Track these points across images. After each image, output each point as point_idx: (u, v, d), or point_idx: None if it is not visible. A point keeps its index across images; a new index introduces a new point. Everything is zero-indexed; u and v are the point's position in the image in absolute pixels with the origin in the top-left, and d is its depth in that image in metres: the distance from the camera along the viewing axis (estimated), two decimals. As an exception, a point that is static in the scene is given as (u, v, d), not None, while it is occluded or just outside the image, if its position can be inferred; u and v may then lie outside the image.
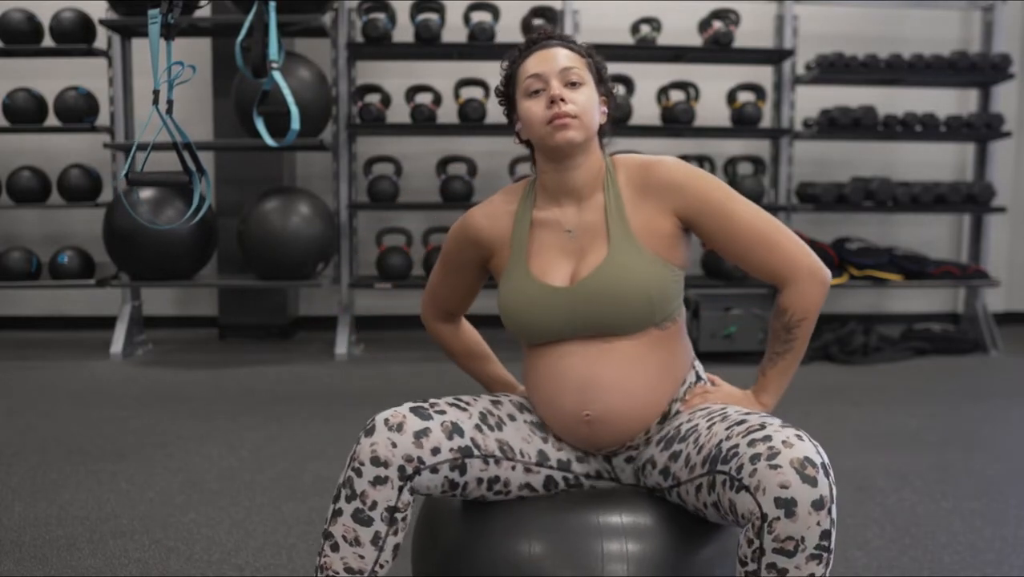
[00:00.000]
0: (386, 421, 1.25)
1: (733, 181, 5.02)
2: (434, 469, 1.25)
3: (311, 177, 5.39)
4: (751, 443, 1.14)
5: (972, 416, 3.46)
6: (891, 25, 5.64)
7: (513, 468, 1.32)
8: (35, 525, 2.20)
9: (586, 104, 1.36)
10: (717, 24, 4.91)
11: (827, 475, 1.10)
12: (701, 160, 5.18)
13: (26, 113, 4.78)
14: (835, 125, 4.95)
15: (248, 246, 4.50)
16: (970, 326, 5.15)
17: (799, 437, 1.13)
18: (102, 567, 1.97)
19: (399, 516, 1.25)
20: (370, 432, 1.25)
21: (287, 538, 2.13)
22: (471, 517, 1.35)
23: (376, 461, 1.23)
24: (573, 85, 1.36)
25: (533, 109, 1.35)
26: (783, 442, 1.12)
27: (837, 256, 4.99)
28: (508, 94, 1.43)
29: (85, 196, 4.81)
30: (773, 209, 5.10)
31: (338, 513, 1.25)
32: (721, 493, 1.16)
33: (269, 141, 2.18)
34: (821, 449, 1.13)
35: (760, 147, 5.42)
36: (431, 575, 1.39)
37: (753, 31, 5.21)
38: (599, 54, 1.45)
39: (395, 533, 1.25)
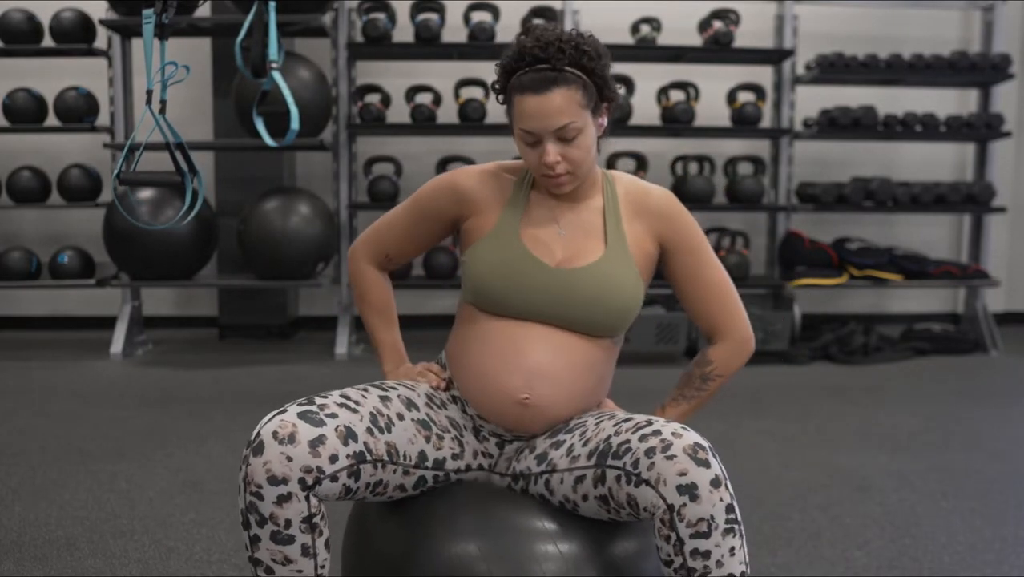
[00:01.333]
0: (275, 434, 1.16)
1: (733, 181, 5.02)
2: (333, 478, 1.19)
3: (311, 177, 5.39)
4: (642, 438, 1.19)
5: (972, 416, 3.46)
6: (891, 25, 5.64)
7: (395, 471, 1.28)
8: (35, 525, 2.21)
9: (580, 156, 1.34)
10: (717, 24, 4.91)
11: (715, 456, 1.17)
12: (701, 160, 5.18)
13: (26, 113, 4.77)
14: (835, 125, 4.95)
15: (248, 246, 4.50)
16: (970, 326, 5.15)
17: (685, 429, 1.19)
18: (102, 567, 1.97)
19: (317, 519, 1.20)
20: (259, 450, 1.16)
21: (287, 538, 2.13)
22: (401, 519, 1.34)
23: (274, 480, 1.15)
24: (568, 141, 1.33)
25: (529, 156, 1.36)
26: (673, 433, 1.18)
27: (837, 256, 4.99)
28: (503, 97, 1.39)
29: (85, 196, 4.81)
30: (773, 209, 5.10)
31: (256, 540, 1.19)
32: (615, 488, 1.20)
33: (269, 141, 2.18)
34: (703, 438, 1.20)
35: (760, 147, 5.42)
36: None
37: (753, 31, 5.21)
38: (602, 64, 1.34)
39: (320, 534, 1.21)
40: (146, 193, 4.39)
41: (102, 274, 4.82)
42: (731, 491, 1.17)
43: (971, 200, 5.04)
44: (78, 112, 4.75)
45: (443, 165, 5.01)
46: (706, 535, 1.14)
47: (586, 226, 1.41)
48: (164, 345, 4.95)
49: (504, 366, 1.36)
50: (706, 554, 1.15)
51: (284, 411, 1.21)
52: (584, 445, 1.27)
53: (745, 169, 5.29)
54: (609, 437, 1.24)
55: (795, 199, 5.21)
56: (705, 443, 1.18)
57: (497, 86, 1.38)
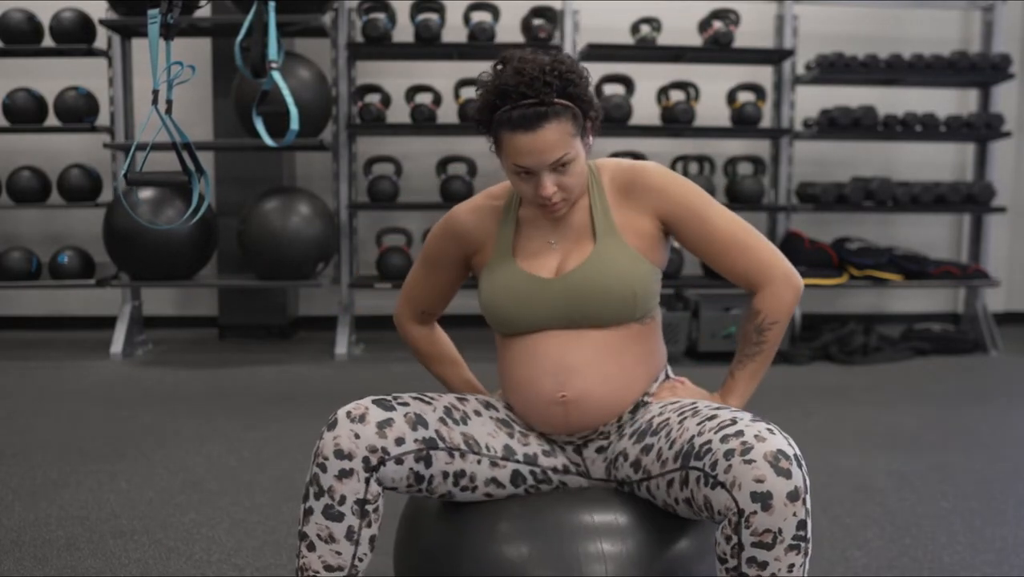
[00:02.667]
0: (348, 413, 1.24)
1: (733, 181, 5.02)
2: (399, 460, 1.24)
3: (311, 177, 5.39)
4: (724, 439, 1.16)
5: (972, 416, 3.46)
6: (891, 25, 5.64)
7: (479, 462, 1.31)
8: (35, 525, 2.21)
9: (574, 182, 1.35)
10: (717, 24, 4.91)
11: (800, 466, 1.13)
12: (701, 160, 5.18)
13: (26, 113, 4.77)
14: (835, 125, 4.95)
15: (248, 246, 4.50)
16: (970, 326, 5.15)
17: (771, 431, 1.15)
18: (102, 567, 1.97)
19: (370, 508, 1.24)
20: (332, 425, 1.24)
21: (287, 538, 2.13)
22: (451, 518, 1.36)
23: (340, 454, 1.22)
24: (563, 168, 1.32)
25: (523, 189, 1.36)
26: (755, 436, 1.14)
27: (837, 256, 4.99)
28: (487, 125, 1.33)
29: (85, 196, 4.81)
30: (773, 209, 5.10)
31: (309, 512, 1.24)
32: (695, 490, 1.18)
33: (269, 141, 2.18)
34: (792, 441, 1.16)
35: (760, 147, 5.42)
36: (412, 576, 1.39)
37: (753, 31, 5.21)
38: (584, 88, 1.32)
39: (368, 525, 1.25)
40: (147, 193, 4.39)
41: (102, 274, 4.82)
42: (808, 506, 1.12)
43: (971, 200, 5.04)
44: (78, 112, 4.75)
45: (443, 165, 5.01)
46: (769, 547, 1.11)
47: (576, 229, 1.41)
48: (164, 345, 4.95)
49: (534, 371, 1.37)
50: (763, 565, 1.12)
51: (362, 399, 1.28)
52: (671, 448, 1.25)
53: (745, 169, 5.29)
54: (692, 437, 1.21)
55: (795, 199, 5.21)
56: (791, 450, 1.14)
57: (479, 118, 1.34)
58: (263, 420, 3.28)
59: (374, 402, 1.27)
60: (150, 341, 4.90)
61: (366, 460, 1.22)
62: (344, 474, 1.22)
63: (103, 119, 4.88)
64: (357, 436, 1.22)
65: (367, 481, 1.22)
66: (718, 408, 1.26)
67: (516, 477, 1.35)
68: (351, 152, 4.93)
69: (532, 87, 1.26)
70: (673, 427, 1.27)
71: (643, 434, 1.33)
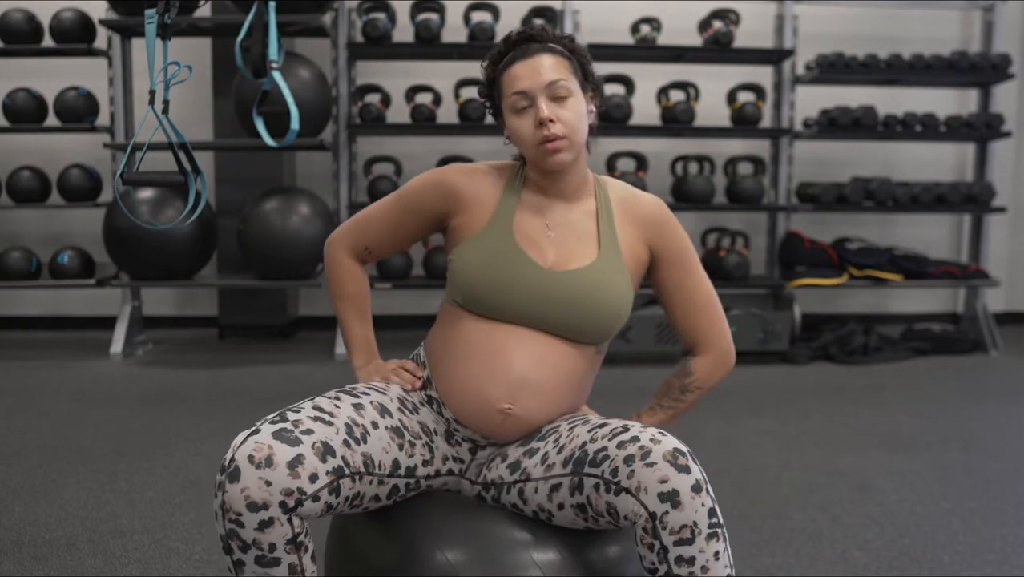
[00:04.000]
0: (250, 458, 1.11)
1: (733, 181, 5.02)
2: (315, 497, 1.14)
3: (311, 177, 5.39)
4: (620, 445, 1.17)
5: (972, 416, 3.46)
6: (891, 25, 5.64)
7: (371, 482, 1.24)
8: (35, 525, 2.21)
9: (574, 120, 1.33)
10: (717, 24, 4.91)
11: (695, 461, 1.16)
12: (701, 160, 5.18)
13: (26, 113, 4.77)
14: (835, 125, 4.95)
15: (248, 246, 4.50)
16: (970, 326, 5.15)
17: (663, 434, 1.18)
18: (102, 567, 1.97)
19: (301, 537, 1.15)
20: (234, 476, 1.10)
21: (287, 538, 2.13)
22: (386, 530, 1.32)
23: (253, 506, 1.10)
24: (560, 100, 1.33)
25: (523, 129, 1.34)
26: (651, 440, 1.16)
27: (837, 256, 4.99)
28: (492, 96, 1.41)
29: (85, 196, 4.81)
30: (773, 209, 5.10)
31: (240, 565, 1.14)
32: (594, 496, 1.18)
33: (269, 141, 2.18)
34: (682, 441, 1.19)
35: (760, 147, 5.42)
36: None
37: (753, 31, 5.21)
38: (584, 50, 1.41)
39: (305, 550, 1.17)
40: (146, 193, 4.39)
41: (102, 274, 4.82)
42: (712, 495, 1.16)
43: (971, 200, 5.04)
44: (78, 112, 4.75)
45: (443, 165, 5.00)
46: (690, 541, 1.13)
47: (578, 229, 1.39)
48: (164, 345, 4.95)
49: (487, 374, 1.33)
50: (691, 560, 1.14)
51: (257, 431, 1.15)
52: (559, 453, 1.26)
53: (745, 169, 5.29)
54: (585, 444, 1.22)
55: (795, 199, 5.21)
56: (684, 448, 1.16)
57: (486, 78, 1.40)
58: (263, 420, 3.27)
59: (275, 436, 1.14)
60: (150, 341, 4.90)
61: (283, 504, 1.11)
62: (264, 524, 1.11)
63: (103, 119, 4.88)
64: (268, 483, 1.10)
65: (290, 520, 1.13)
66: (607, 419, 1.28)
67: (393, 491, 1.29)
68: (351, 152, 4.93)
69: (532, 34, 1.36)
70: (563, 433, 1.29)
71: (529, 439, 1.35)
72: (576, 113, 1.33)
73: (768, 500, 2.44)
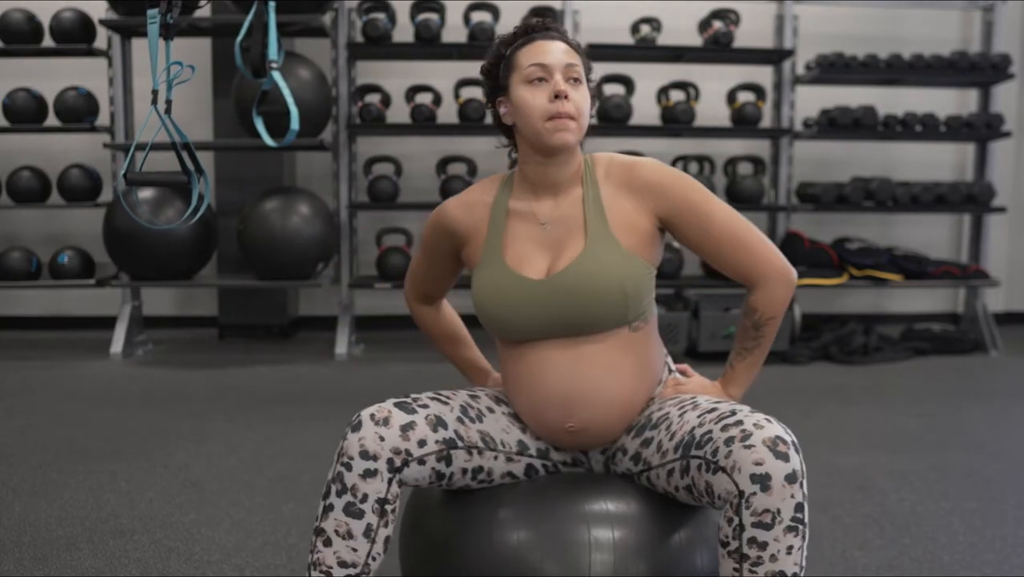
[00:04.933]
0: (372, 416, 1.27)
1: (733, 181, 5.02)
2: (421, 461, 1.28)
3: (311, 177, 5.39)
4: (724, 428, 1.20)
5: (972, 416, 3.46)
6: (891, 25, 5.64)
7: (495, 457, 1.36)
8: (35, 525, 2.20)
9: (583, 105, 1.37)
10: (717, 24, 4.91)
11: (797, 452, 1.17)
12: (701, 160, 5.18)
13: (26, 113, 4.77)
14: (835, 125, 4.95)
15: (248, 246, 4.50)
16: (970, 326, 5.15)
17: (768, 420, 1.20)
18: (102, 567, 1.97)
19: (389, 508, 1.27)
20: (357, 427, 1.27)
21: (287, 538, 2.13)
22: (455, 507, 1.38)
23: (365, 455, 1.25)
24: (574, 82, 1.36)
25: (535, 99, 1.35)
26: (755, 425, 1.18)
27: (837, 256, 4.99)
28: (495, 75, 1.42)
29: (85, 196, 4.81)
30: (773, 209, 5.10)
31: (329, 509, 1.27)
32: (696, 476, 1.22)
33: (269, 141, 2.18)
34: (789, 431, 1.21)
35: (760, 147, 5.42)
36: (418, 567, 1.41)
37: (753, 31, 5.21)
38: (593, 54, 1.47)
39: (386, 525, 1.28)
40: (147, 193, 4.39)
41: (102, 274, 4.82)
42: (805, 491, 1.17)
43: (971, 200, 5.04)
44: (78, 112, 4.75)
45: (443, 165, 5.01)
46: (768, 527, 1.15)
47: (568, 222, 1.39)
48: (164, 345, 4.95)
49: (539, 402, 1.39)
50: (763, 545, 1.15)
51: (383, 401, 1.31)
52: (671, 439, 1.29)
53: (745, 169, 5.29)
54: (693, 429, 1.26)
55: (795, 199, 5.21)
56: (788, 436, 1.18)
57: (494, 58, 1.43)
58: (263, 420, 3.28)
59: (396, 405, 1.30)
60: (150, 341, 4.90)
61: (390, 461, 1.25)
62: (368, 474, 1.25)
63: (103, 119, 4.88)
64: (382, 438, 1.26)
65: (390, 481, 1.26)
66: (717, 402, 1.30)
67: (529, 470, 1.40)
68: (351, 152, 4.93)
69: (550, 25, 1.42)
70: (673, 420, 1.32)
71: (642, 429, 1.37)
72: (586, 100, 1.38)
73: (768, 500, 2.44)
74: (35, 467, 2.68)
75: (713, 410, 1.27)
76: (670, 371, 1.51)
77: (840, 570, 1.99)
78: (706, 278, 5.10)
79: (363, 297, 5.28)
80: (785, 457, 1.15)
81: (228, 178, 5.14)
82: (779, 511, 1.14)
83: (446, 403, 1.35)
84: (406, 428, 1.27)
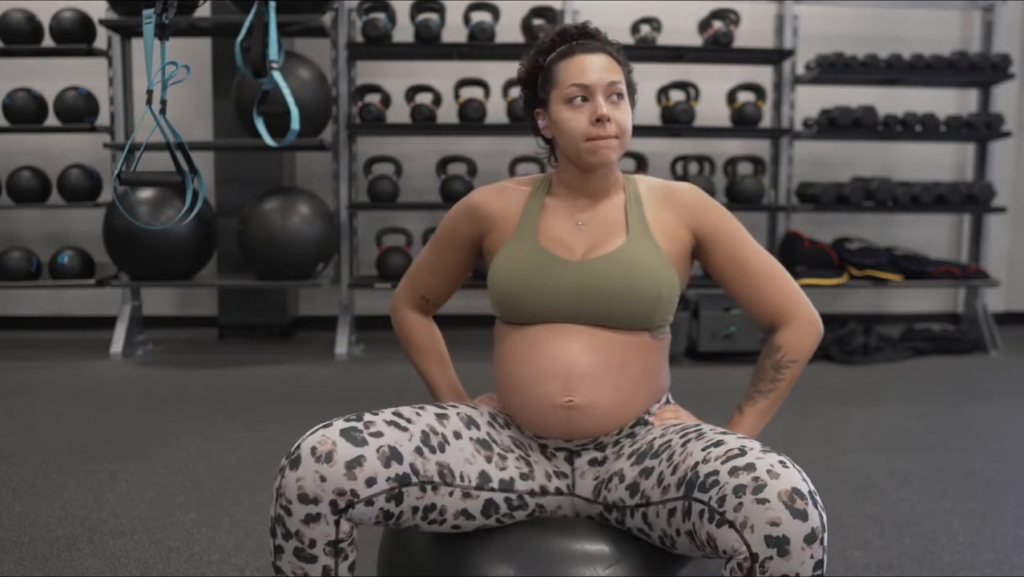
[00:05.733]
0: (313, 450, 1.12)
1: (733, 181, 5.02)
2: (369, 502, 1.13)
3: (311, 177, 5.39)
4: (733, 471, 1.07)
5: (972, 416, 3.46)
6: (891, 25, 5.64)
7: (451, 494, 1.20)
8: (35, 525, 2.20)
9: (625, 122, 1.33)
10: (717, 24, 4.91)
11: (815, 504, 1.04)
12: (701, 160, 5.18)
13: (26, 113, 4.77)
14: (835, 125, 4.95)
15: (248, 246, 4.50)
16: (970, 326, 5.15)
17: (784, 464, 1.07)
18: (102, 567, 1.97)
19: (344, 545, 1.15)
20: (295, 464, 1.12)
21: (287, 538, 2.13)
22: (441, 544, 1.28)
23: (304, 498, 1.11)
24: (616, 98, 1.33)
25: (575, 121, 1.32)
26: (768, 472, 1.05)
27: (837, 256, 4.98)
28: (533, 84, 1.39)
29: (85, 196, 4.81)
30: (773, 209, 5.10)
31: (280, 550, 1.16)
32: (698, 524, 1.09)
33: (269, 141, 2.18)
34: (806, 476, 1.08)
35: (760, 147, 5.42)
36: None
37: (753, 31, 5.21)
38: (628, 61, 1.41)
39: (345, 558, 1.17)
40: (146, 193, 4.39)
41: (102, 274, 4.82)
42: (825, 545, 1.04)
43: (971, 200, 5.04)
44: (78, 112, 4.75)
45: (443, 165, 5.01)
46: None
47: (607, 220, 1.37)
48: (164, 345, 4.95)
49: (540, 372, 1.30)
50: None
51: (329, 425, 1.16)
52: (673, 473, 1.17)
53: (745, 169, 5.29)
54: (697, 465, 1.12)
55: (795, 199, 5.21)
56: (805, 487, 1.05)
57: (530, 66, 1.38)
58: (263, 420, 3.28)
59: (343, 433, 1.14)
60: (150, 341, 4.90)
61: (333, 503, 1.11)
62: (311, 518, 1.12)
63: (103, 119, 4.88)
64: (323, 478, 1.10)
65: (337, 523, 1.13)
66: (724, 433, 1.19)
67: (488, 507, 1.24)
68: (351, 152, 4.93)
69: (591, 31, 1.37)
70: (676, 449, 1.20)
71: (643, 456, 1.26)
72: (627, 115, 1.34)
73: (768, 500, 2.44)
74: (35, 467, 2.68)
75: (720, 444, 1.13)
76: (668, 402, 1.43)
77: (840, 570, 1.99)
78: (706, 278, 5.08)
79: (363, 297, 5.28)
80: (803, 515, 1.02)
81: (228, 178, 5.14)
82: (798, 575, 1.03)
83: (405, 429, 1.19)
84: (352, 465, 1.12)
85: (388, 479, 1.14)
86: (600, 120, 1.30)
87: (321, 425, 1.17)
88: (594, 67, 1.32)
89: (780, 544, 1.02)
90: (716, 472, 1.08)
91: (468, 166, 4.99)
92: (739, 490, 1.04)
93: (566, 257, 1.34)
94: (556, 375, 1.29)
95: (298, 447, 1.14)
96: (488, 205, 1.42)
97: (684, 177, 5.01)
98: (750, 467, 1.06)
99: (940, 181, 5.13)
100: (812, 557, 1.03)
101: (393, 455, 1.15)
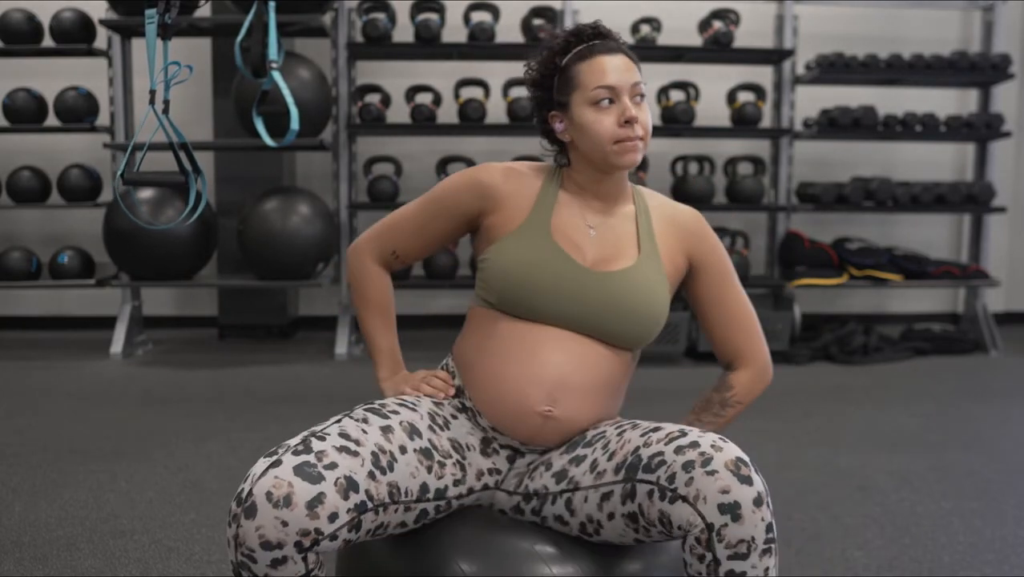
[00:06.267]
0: (268, 496, 1.05)
1: (733, 181, 5.02)
2: (333, 537, 1.09)
3: (311, 177, 5.39)
4: (678, 450, 1.12)
5: (972, 416, 3.46)
6: (891, 25, 5.64)
7: (396, 511, 1.19)
8: (35, 525, 2.20)
9: (648, 123, 1.34)
10: (717, 24, 4.91)
11: (757, 471, 1.12)
12: (701, 160, 5.18)
13: (26, 113, 4.77)
14: (835, 125, 4.95)
15: (248, 246, 4.50)
16: (970, 326, 5.15)
17: (723, 440, 1.13)
18: (102, 567, 1.97)
19: (315, 572, 1.11)
20: (251, 512, 1.05)
21: (287, 538, 2.13)
22: (397, 544, 1.28)
23: (267, 546, 1.05)
24: (639, 99, 1.33)
25: (602, 123, 1.30)
26: (712, 446, 1.11)
27: (837, 256, 4.99)
28: (547, 87, 1.37)
29: (85, 196, 4.81)
30: (773, 209, 5.10)
31: None
32: (646, 504, 1.13)
33: (269, 141, 2.18)
34: (742, 450, 1.15)
35: (760, 147, 5.42)
36: None
37: (753, 31, 5.21)
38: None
39: None
40: (147, 193, 4.39)
41: (102, 274, 4.82)
42: (771, 508, 1.11)
43: (971, 200, 5.04)
44: (78, 112, 4.75)
45: (443, 165, 5.01)
46: (744, 556, 1.09)
47: (618, 231, 1.37)
48: (164, 345, 4.95)
49: (525, 376, 1.29)
50: (741, 576, 1.10)
51: (279, 463, 1.08)
52: (609, 459, 1.20)
53: (745, 169, 5.29)
54: (638, 448, 1.17)
55: (795, 199, 5.21)
56: (746, 456, 1.12)
57: (545, 67, 1.36)
58: (263, 420, 3.28)
59: (296, 471, 1.07)
60: (150, 341, 4.90)
61: (298, 544, 1.06)
62: (277, 562, 1.06)
63: (103, 119, 4.88)
64: (284, 523, 1.05)
65: (304, 559, 1.08)
66: (660, 423, 1.22)
67: (421, 516, 1.24)
68: (351, 152, 4.93)
69: (606, 32, 1.36)
70: (611, 439, 1.23)
71: (573, 445, 1.29)
72: (649, 116, 1.34)
73: (768, 500, 2.44)
74: (35, 467, 2.68)
75: (658, 429, 1.18)
76: None
77: (840, 570, 1.99)
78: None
79: (363, 297, 5.27)
80: (749, 480, 1.09)
81: (228, 178, 5.14)
82: (753, 538, 1.08)
83: (356, 453, 1.14)
84: (313, 504, 1.06)
85: (348, 510, 1.10)
86: (629, 121, 1.30)
87: (268, 462, 1.09)
88: (617, 68, 1.31)
89: (732, 510, 1.07)
90: (661, 452, 1.13)
91: (468, 166, 4.99)
92: (688, 466, 1.10)
93: (577, 259, 1.34)
94: (542, 383, 1.30)
95: (250, 493, 1.06)
96: (497, 185, 1.38)
97: (684, 177, 5.01)
98: (694, 444, 1.12)
99: (940, 181, 5.13)
100: (763, 520, 1.09)
101: (350, 485, 1.11)
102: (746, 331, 1.44)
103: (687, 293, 1.45)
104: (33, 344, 4.98)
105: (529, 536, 1.26)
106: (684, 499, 1.09)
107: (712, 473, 1.08)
